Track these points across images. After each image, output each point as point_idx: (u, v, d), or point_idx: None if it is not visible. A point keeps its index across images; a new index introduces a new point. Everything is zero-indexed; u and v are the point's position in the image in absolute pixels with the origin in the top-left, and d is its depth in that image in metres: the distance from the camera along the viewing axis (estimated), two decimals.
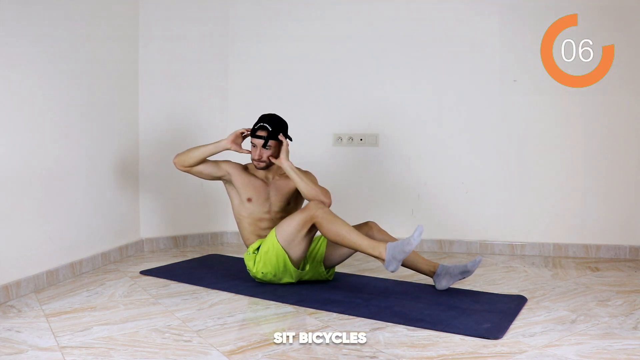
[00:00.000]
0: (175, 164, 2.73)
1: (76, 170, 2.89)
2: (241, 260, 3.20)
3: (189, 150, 2.73)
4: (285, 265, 2.54)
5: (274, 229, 2.56)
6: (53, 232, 2.72)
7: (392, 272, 2.23)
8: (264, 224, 2.72)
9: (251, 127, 2.73)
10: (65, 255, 2.80)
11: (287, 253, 2.51)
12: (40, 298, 2.45)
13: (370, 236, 2.65)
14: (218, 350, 1.86)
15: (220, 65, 3.82)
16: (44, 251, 2.66)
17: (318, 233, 2.73)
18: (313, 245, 2.68)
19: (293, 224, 2.47)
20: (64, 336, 1.98)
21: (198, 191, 3.76)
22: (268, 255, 2.54)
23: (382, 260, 2.22)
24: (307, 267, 2.64)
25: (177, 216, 3.72)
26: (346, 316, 2.24)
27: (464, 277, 2.59)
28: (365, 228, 2.67)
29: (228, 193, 2.80)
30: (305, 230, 2.45)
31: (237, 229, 2.77)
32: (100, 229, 3.12)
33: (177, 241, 3.71)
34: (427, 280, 2.75)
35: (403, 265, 2.66)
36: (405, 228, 3.64)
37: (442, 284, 2.57)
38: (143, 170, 3.53)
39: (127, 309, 2.31)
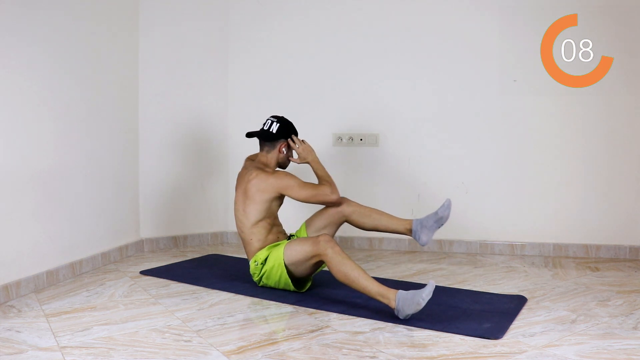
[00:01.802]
0: (339, 201, 2.62)
1: (76, 170, 2.89)
2: (241, 260, 3.20)
3: (330, 178, 2.67)
4: (286, 286, 2.55)
5: (284, 244, 2.53)
6: (53, 232, 2.72)
7: (402, 318, 2.18)
8: (278, 221, 2.74)
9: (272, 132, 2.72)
10: (65, 255, 2.80)
11: (291, 273, 2.51)
12: (40, 298, 2.45)
13: (342, 213, 2.67)
14: (218, 350, 1.86)
15: (220, 65, 3.81)
16: (44, 251, 2.66)
17: (317, 230, 2.75)
18: None
19: (302, 252, 2.43)
20: (64, 336, 1.98)
21: (198, 191, 3.76)
22: (272, 272, 2.54)
23: (392, 308, 2.19)
24: (309, 284, 2.62)
25: (177, 216, 3.72)
26: (346, 316, 2.24)
27: (441, 224, 2.56)
28: (333, 207, 2.68)
29: (264, 203, 2.59)
30: (313, 261, 2.43)
31: (236, 229, 2.74)
32: (100, 229, 3.12)
33: (177, 241, 3.71)
34: (427, 280, 2.74)
35: (378, 230, 2.68)
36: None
37: (423, 239, 2.55)
38: (143, 170, 3.53)
39: (127, 309, 2.31)
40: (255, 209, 2.59)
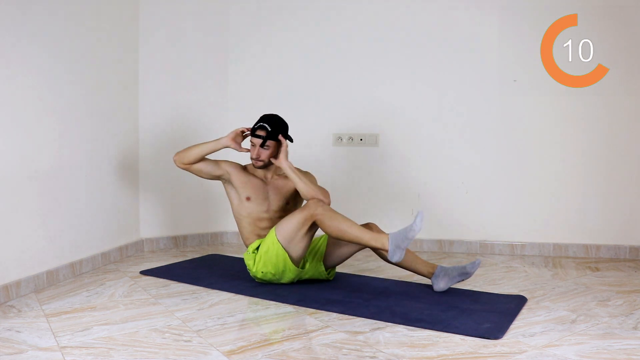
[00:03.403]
0: (175, 161, 2.74)
1: (76, 170, 2.89)
2: (241, 260, 3.20)
3: (189, 147, 2.75)
4: (285, 264, 2.54)
5: (273, 228, 2.56)
6: (53, 232, 2.72)
7: (397, 261, 2.23)
8: (263, 224, 2.72)
9: (251, 126, 2.75)
10: (65, 255, 2.80)
11: (287, 251, 2.51)
12: (40, 298, 2.45)
13: None
14: (218, 350, 1.86)
15: (220, 65, 3.82)
16: (44, 251, 2.66)
17: (319, 233, 2.75)
18: (313, 243, 2.69)
19: (293, 222, 2.48)
20: (64, 336, 1.98)
21: (198, 191, 3.76)
22: (268, 255, 2.54)
23: (386, 251, 2.23)
24: (307, 265, 2.64)
25: (177, 216, 3.72)
26: (346, 316, 2.24)
27: (463, 279, 2.59)
28: None
29: (227, 193, 2.81)
30: (305, 228, 2.46)
31: (237, 229, 2.78)
32: (100, 229, 3.12)
33: (177, 241, 3.71)
34: (426, 280, 2.74)
35: (400, 266, 2.66)
36: None
37: (440, 286, 2.57)
38: (143, 169, 3.53)
39: (127, 309, 2.31)
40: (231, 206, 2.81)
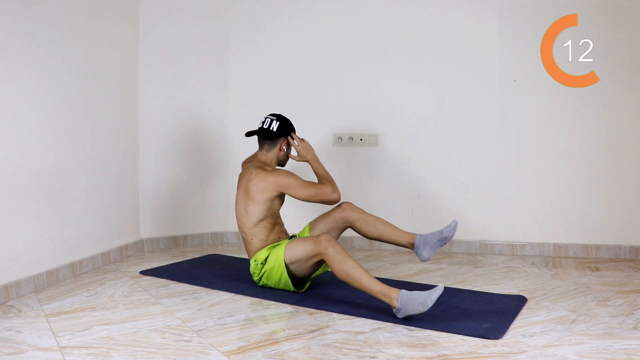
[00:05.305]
0: (339, 197, 2.58)
1: (76, 170, 2.89)
2: (241, 260, 3.20)
3: (331, 178, 2.65)
4: (286, 286, 2.56)
5: (285, 244, 2.54)
6: (53, 232, 2.72)
7: (400, 317, 2.18)
8: (279, 220, 2.73)
9: (261, 129, 2.72)
10: (65, 255, 2.80)
11: (291, 272, 2.51)
12: (40, 298, 2.45)
13: (346, 219, 2.67)
14: (218, 350, 1.86)
15: (221, 65, 3.81)
16: (44, 251, 2.66)
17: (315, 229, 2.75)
18: None
19: (302, 252, 2.44)
20: (64, 336, 1.98)
21: (198, 191, 3.76)
22: (272, 272, 2.54)
23: (392, 307, 2.19)
24: (308, 284, 2.62)
25: (177, 216, 3.72)
26: (346, 316, 2.24)
27: (444, 244, 2.57)
28: (338, 211, 2.68)
29: (265, 203, 2.58)
30: (313, 261, 2.43)
31: (236, 229, 2.75)
32: (100, 229, 3.12)
33: (177, 241, 3.71)
34: (427, 280, 2.75)
35: (381, 239, 2.67)
36: (406, 228, 3.63)
37: (424, 255, 2.55)
38: (143, 169, 3.53)
39: (127, 309, 2.31)
40: (256, 209, 2.58)
